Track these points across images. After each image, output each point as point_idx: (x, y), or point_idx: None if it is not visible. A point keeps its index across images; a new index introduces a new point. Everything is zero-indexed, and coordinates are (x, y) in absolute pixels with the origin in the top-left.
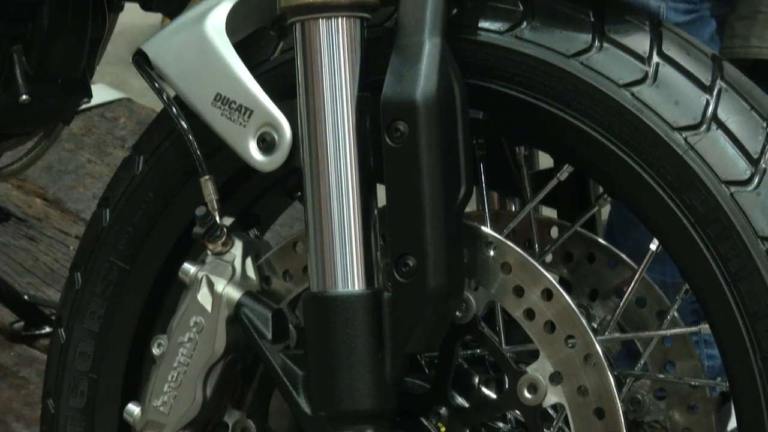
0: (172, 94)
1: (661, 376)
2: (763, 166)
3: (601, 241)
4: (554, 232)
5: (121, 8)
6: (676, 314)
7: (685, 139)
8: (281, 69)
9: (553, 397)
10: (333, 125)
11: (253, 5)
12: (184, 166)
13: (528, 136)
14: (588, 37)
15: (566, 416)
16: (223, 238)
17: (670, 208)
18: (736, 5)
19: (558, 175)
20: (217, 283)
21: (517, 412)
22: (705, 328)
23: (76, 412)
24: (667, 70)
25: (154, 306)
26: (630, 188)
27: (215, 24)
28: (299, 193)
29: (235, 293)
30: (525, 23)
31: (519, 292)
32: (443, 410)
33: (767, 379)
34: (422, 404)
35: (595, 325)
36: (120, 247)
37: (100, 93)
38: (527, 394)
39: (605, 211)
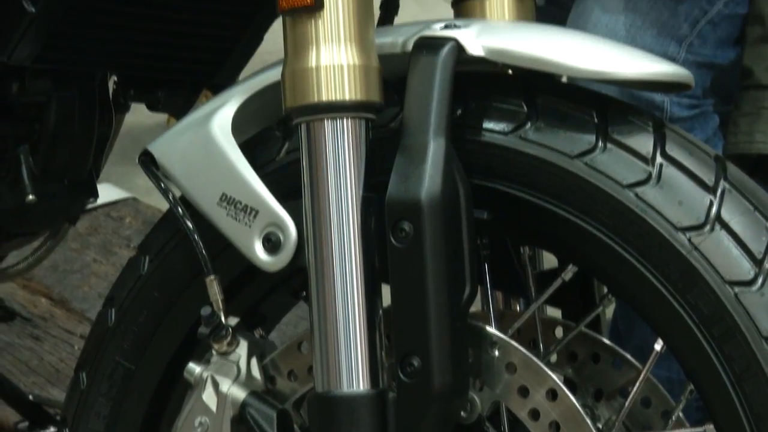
0: (177, 194)
1: None
2: (767, 266)
3: (606, 341)
4: (559, 332)
5: (128, 108)
6: (681, 414)
7: (689, 239)
8: (286, 169)
9: None
10: (338, 225)
11: (258, 106)
12: (190, 266)
13: (532, 236)
14: (592, 137)
15: None
16: (228, 338)
17: (675, 308)
18: (739, 102)
19: (562, 275)
20: (222, 383)
21: None
22: (710, 429)
23: None
24: (670, 170)
25: (159, 406)
26: (634, 288)
27: (221, 124)
28: (304, 293)
29: (240, 393)
30: (529, 124)
31: (524, 392)
32: None
33: None
34: None
35: (600, 426)
36: (125, 346)
37: (106, 192)
38: None
39: (610, 310)
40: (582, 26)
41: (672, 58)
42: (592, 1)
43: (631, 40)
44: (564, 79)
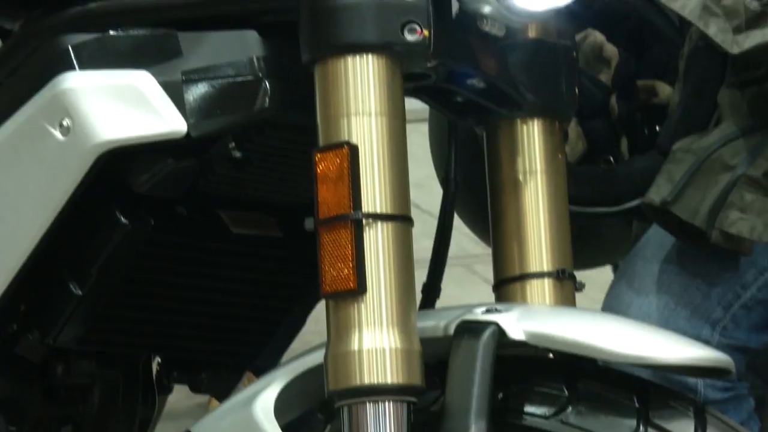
0: None
1: None
2: None
3: None
4: None
5: (171, 390)
6: None
7: None
8: None
9: None
10: None
11: (301, 388)
12: None
13: None
14: (633, 422)
15: None
16: None
17: None
18: None
19: None
20: None
21: None
22: None
23: None
24: None
25: None
26: None
27: (264, 407)
28: None
29: None
30: (570, 408)
31: None
32: None
33: None
34: None
35: None
36: None
37: None
38: None
39: None
40: (616, 308)
41: (705, 341)
42: (625, 284)
43: (665, 322)
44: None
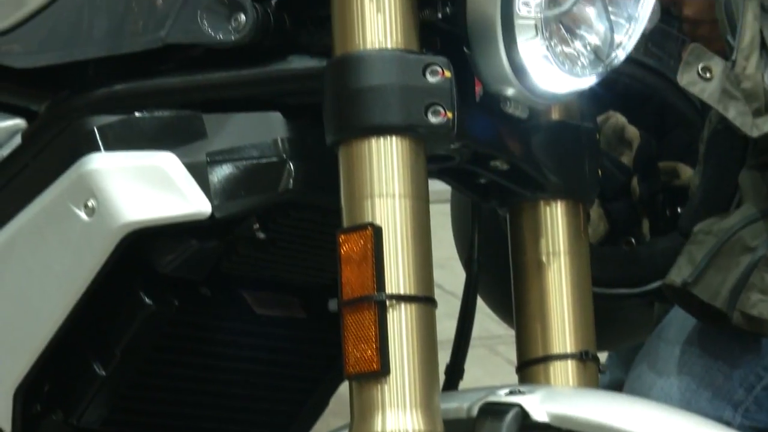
0: None
1: None
2: None
3: None
4: None
5: None
6: None
7: None
8: None
9: None
10: None
11: None
12: None
13: None
14: None
15: None
16: None
17: None
18: None
19: None
20: None
21: None
22: None
23: None
24: None
25: None
26: None
27: None
28: None
29: None
30: None
31: None
32: None
33: None
34: None
35: None
36: None
37: None
38: None
39: None
40: (638, 390)
41: (727, 423)
42: (647, 366)
43: (686, 403)
44: None
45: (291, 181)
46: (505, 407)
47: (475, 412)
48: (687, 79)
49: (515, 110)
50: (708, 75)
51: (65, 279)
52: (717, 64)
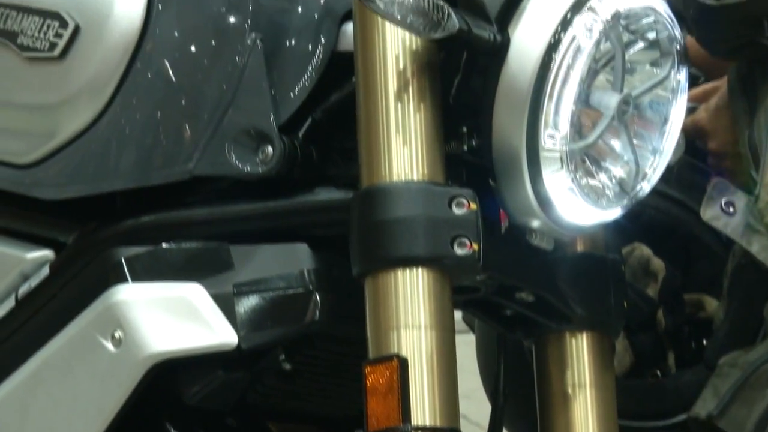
0: None
1: None
2: None
3: None
4: None
5: None
6: None
7: None
8: None
9: None
10: None
11: None
12: None
13: None
14: None
15: None
16: None
17: None
18: None
19: None
20: None
21: None
22: None
23: None
24: None
25: None
26: None
27: None
28: None
29: None
30: None
31: None
32: None
33: None
34: None
35: None
36: None
37: None
38: None
39: None
40: None
41: None
42: None
43: None
44: None
45: (317, 312)
46: None
47: None
48: (710, 213)
49: (541, 242)
50: (731, 209)
51: (92, 410)
52: (740, 199)
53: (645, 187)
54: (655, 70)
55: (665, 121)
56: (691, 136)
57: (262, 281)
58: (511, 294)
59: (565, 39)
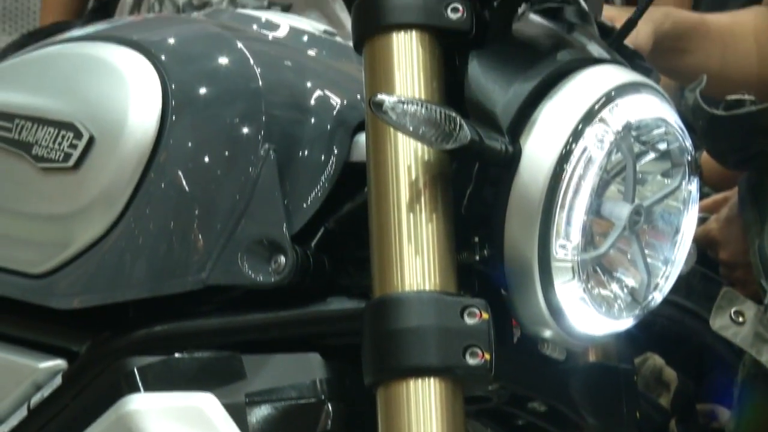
0: None
1: None
2: None
3: None
4: None
5: None
6: None
7: None
8: None
9: None
10: None
11: None
12: None
13: None
14: None
15: None
16: None
17: None
18: None
19: None
20: None
21: None
22: None
23: None
24: None
25: None
26: None
27: None
28: None
29: None
30: None
31: None
32: None
33: None
34: None
35: None
36: None
37: None
38: None
39: None
40: None
41: None
42: None
43: None
44: None
45: (329, 422)
46: None
47: None
48: (719, 323)
49: (552, 351)
50: (741, 319)
51: None
52: (749, 308)
53: (657, 297)
54: (666, 181)
55: (677, 231)
56: (703, 246)
57: (274, 391)
58: (523, 404)
59: (577, 150)
